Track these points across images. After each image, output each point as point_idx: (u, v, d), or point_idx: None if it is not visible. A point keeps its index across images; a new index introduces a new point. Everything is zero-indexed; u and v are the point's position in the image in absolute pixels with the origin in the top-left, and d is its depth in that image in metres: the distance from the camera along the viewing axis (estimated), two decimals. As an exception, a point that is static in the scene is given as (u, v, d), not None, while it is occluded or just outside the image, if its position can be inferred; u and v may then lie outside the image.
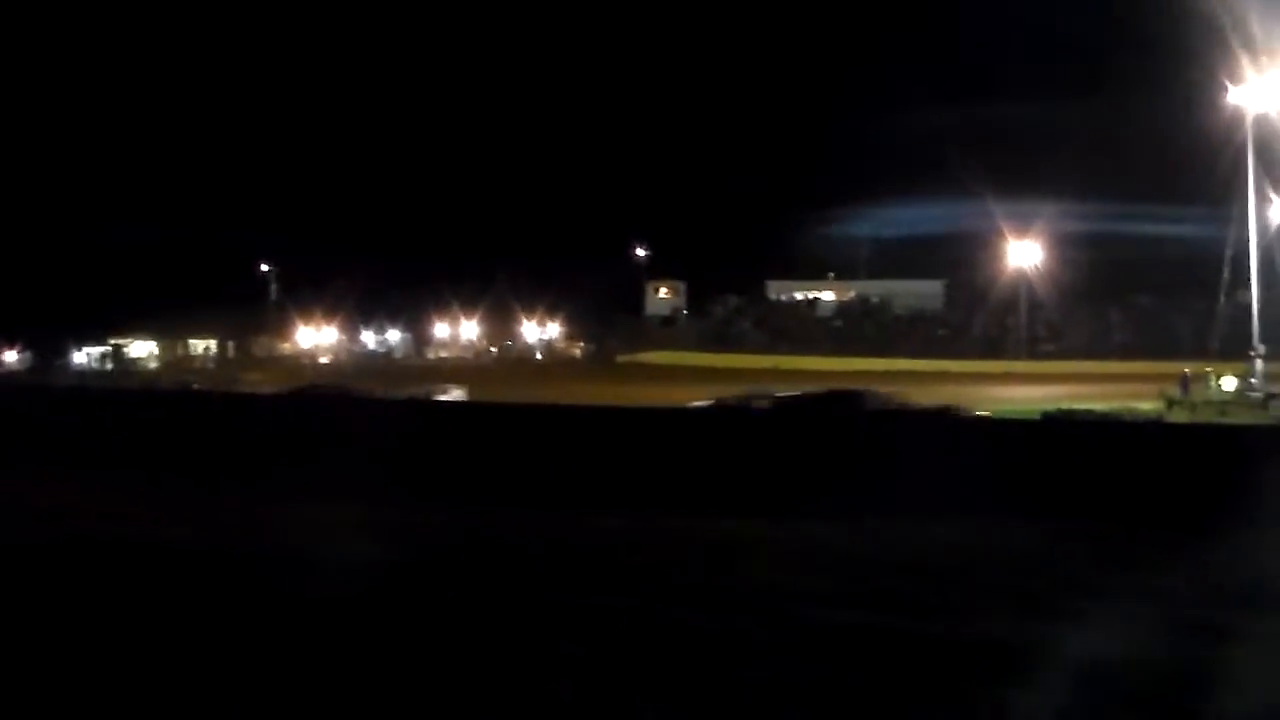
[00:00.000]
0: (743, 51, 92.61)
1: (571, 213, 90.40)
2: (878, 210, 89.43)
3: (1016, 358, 74.10)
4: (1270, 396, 43.11)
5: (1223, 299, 52.75)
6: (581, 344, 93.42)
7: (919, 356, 76.59)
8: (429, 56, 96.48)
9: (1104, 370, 60.12)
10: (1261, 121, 50.40)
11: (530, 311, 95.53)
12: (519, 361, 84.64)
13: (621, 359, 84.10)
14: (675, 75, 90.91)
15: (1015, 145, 72.43)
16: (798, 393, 34.83)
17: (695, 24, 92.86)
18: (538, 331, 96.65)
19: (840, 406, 31.29)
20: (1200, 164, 53.05)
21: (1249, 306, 50.62)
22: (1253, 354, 49.66)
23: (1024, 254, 78.75)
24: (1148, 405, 41.24)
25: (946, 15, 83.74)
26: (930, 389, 56.30)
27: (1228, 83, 50.90)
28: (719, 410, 32.34)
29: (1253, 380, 47.31)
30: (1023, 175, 71.63)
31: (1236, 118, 50.58)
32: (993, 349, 76.68)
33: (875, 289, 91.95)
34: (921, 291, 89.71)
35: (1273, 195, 53.56)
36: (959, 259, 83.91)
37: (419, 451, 20.76)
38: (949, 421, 28.12)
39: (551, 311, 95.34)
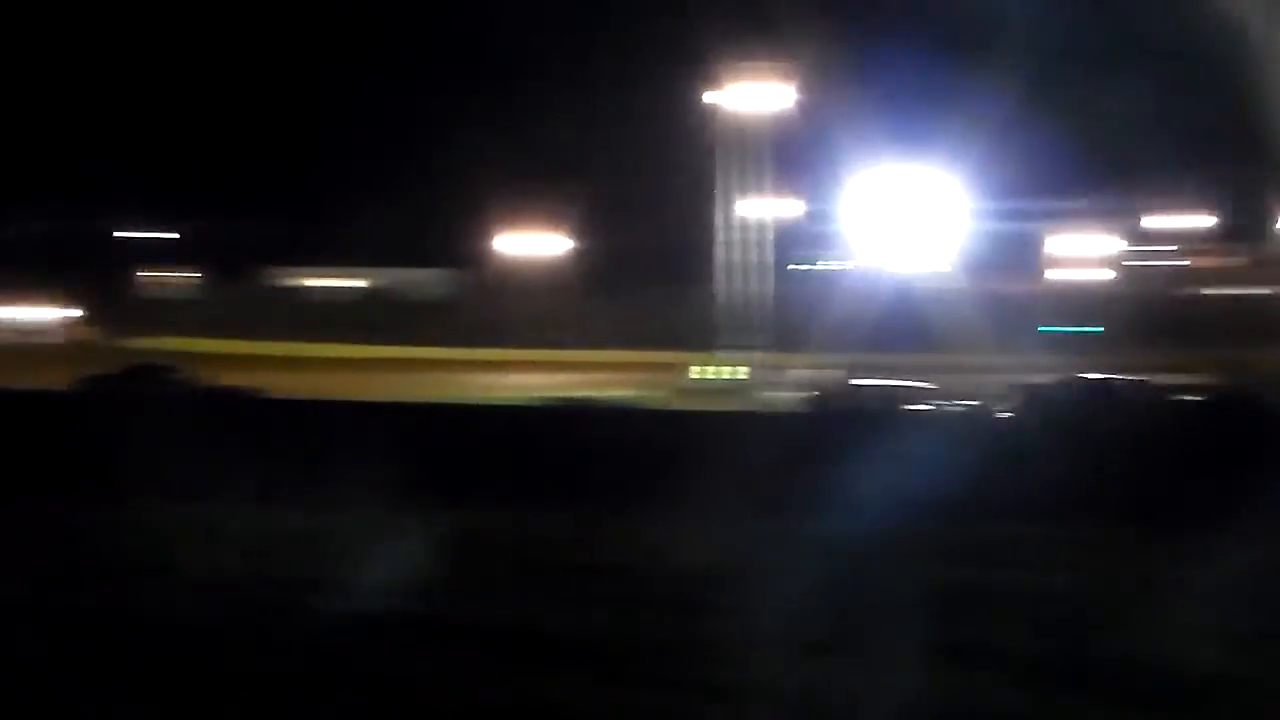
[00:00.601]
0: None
1: (79, 189, 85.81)
2: (392, 198, 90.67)
3: (523, 346, 77.05)
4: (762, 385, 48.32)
5: (720, 290, 57.47)
6: (91, 327, 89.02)
7: (433, 344, 78.51)
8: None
9: (612, 359, 64.17)
10: (741, 121, 55.43)
11: (35, 290, 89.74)
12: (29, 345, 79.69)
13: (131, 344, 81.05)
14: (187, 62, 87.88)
15: (531, 134, 74.87)
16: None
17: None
18: (46, 313, 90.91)
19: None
20: (701, 160, 57.73)
21: (747, 298, 55.81)
22: (737, 345, 55.09)
23: (535, 244, 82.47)
24: (659, 393, 45.57)
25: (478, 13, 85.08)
26: (447, 377, 58.87)
27: (709, 84, 55.72)
28: None
29: (751, 370, 52.60)
30: (539, 164, 74.63)
31: (724, 117, 55.37)
32: (502, 337, 79.25)
33: (389, 276, 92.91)
34: (435, 279, 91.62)
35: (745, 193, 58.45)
36: (473, 247, 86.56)
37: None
38: None
39: (58, 291, 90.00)
